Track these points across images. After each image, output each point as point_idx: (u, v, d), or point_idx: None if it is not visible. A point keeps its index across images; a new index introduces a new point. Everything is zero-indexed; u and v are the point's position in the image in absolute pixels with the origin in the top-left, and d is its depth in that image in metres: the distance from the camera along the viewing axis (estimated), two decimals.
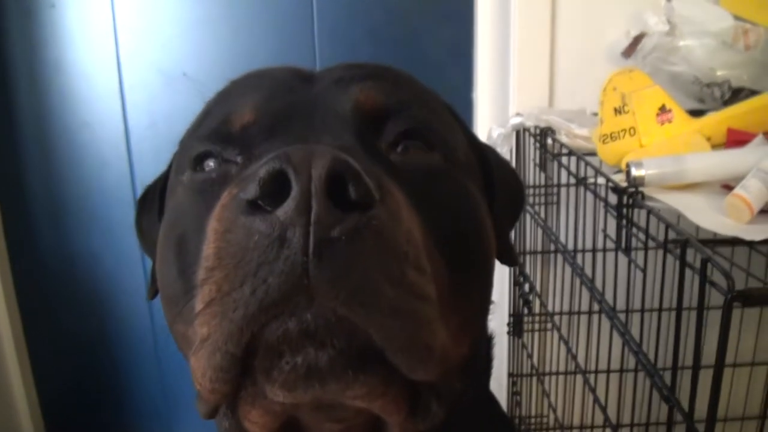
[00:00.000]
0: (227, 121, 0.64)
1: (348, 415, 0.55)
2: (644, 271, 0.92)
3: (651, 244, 0.91)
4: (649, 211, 0.90)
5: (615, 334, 1.11)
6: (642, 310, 0.99)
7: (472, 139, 0.79)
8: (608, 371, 1.39)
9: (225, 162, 0.63)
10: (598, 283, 1.23)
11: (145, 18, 1.95)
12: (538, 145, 1.50)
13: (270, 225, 0.45)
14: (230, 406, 0.54)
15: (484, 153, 0.80)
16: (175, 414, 2.24)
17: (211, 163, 0.63)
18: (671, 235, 0.83)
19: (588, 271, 1.30)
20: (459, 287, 0.58)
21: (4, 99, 1.99)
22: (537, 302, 1.68)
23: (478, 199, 0.70)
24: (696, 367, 0.79)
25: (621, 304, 1.14)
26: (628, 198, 0.97)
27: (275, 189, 0.45)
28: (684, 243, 0.78)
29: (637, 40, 1.59)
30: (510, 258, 0.82)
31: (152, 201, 0.80)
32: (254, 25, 1.95)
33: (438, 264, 0.55)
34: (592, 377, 1.35)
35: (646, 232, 0.91)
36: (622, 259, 1.06)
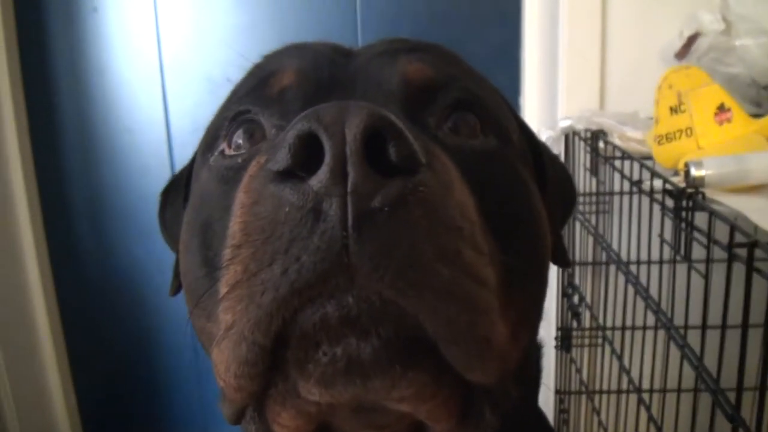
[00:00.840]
0: (266, 82, 0.59)
1: (389, 421, 0.49)
2: (706, 277, 0.86)
3: (717, 253, 0.84)
4: (712, 213, 0.83)
5: (671, 351, 1.04)
6: (703, 327, 0.92)
7: (523, 125, 0.73)
8: (664, 390, 1.30)
9: (255, 134, 0.58)
10: (653, 296, 1.16)
11: (189, 23, 1.94)
12: (588, 148, 1.43)
13: (302, 195, 0.40)
14: (258, 408, 0.48)
15: (535, 141, 0.74)
16: (212, 424, 2.21)
17: (240, 141, 0.58)
18: (737, 238, 0.76)
19: (642, 283, 1.23)
20: (516, 277, 0.51)
21: (46, 104, 2.01)
22: (587, 315, 1.60)
23: (533, 187, 0.63)
24: (763, 386, 0.72)
25: (678, 319, 1.07)
26: (688, 199, 0.90)
27: (307, 154, 0.40)
28: (752, 246, 0.71)
29: (691, 40, 1.52)
30: (563, 258, 0.75)
31: (176, 192, 0.76)
32: (299, 32, 1.93)
33: (494, 248, 0.48)
34: (646, 396, 1.27)
35: (708, 235, 0.84)
36: (680, 271, 0.99)
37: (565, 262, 0.76)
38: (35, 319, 2.09)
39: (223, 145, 0.59)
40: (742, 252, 0.74)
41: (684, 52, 1.53)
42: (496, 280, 0.46)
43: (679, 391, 1.16)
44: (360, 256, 0.39)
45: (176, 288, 0.72)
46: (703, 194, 0.90)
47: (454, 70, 0.62)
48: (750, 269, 0.72)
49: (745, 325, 0.76)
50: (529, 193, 0.62)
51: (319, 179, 0.39)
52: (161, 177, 2.01)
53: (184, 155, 2.03)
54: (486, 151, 0.58)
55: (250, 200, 0.44)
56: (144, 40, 1.95)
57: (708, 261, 0.85)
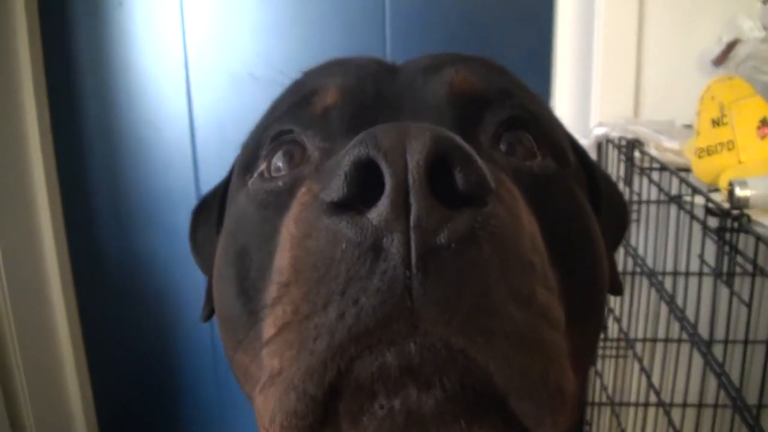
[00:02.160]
0: (308, 100, 0.56)
1: None
2: (749, 306, 0.82)
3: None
4: (759, 238, 0.80)
5: (694, 366, 1.01)
6: (726, 341, 0.89)
7: (574, 142, 0.69)
8: (685, 404, 1.27)
9: (295, 156, 0.54)
10: (691, 309, 1.12)
11: (214, 18, 1.91)
12: (623, 158, 1.39)
13: (360, 231, 0.36)
14: None
15: (588, 159, 0.69)
16: (231, 428, 2.19)
17: (279, 164, 0.54)
18: None
19: (678, 295, 1.20)
20: (576, 313, 0.47)
21: (70, 98, 1.99)
22: (614, 327, 1.56)
23: (590, 212, 0.59)
24: None
25: (704, 331, 1.03)
26: (733, 221, 0.86)
27: (364, 182, 0.36)
28: None
29: (731, 47, 1.47)
30: (616, 286, 0.70)
31: (209, 212, 0.72)
32: (325, 27, 1.90)
33: (558, 283, 0.44)
34: (674, 411, 1.24)
35: (754, 263, 0.80)
36: (707, 284, 0.96)
37: (617, 290, 0.71)
38: (55, 319, 2.08)
39: (263, 167, 0.56)
40: None
41: (722, 58, 1.48)
42: (564, 319, 0.43)
43: (700, 405, 1.12)
44: (425, 300, 0.35)
45: (208, 315, 0.69)
46: (749, 216, 0.86)
47: (505, 83, 0.58)
48: None
49: None
50: (589, 219, 0.58)
51: (378, 212, 0.36)
52: (184, 172, 2.01)
53: (207, 151, 2.02)
54: (545, 174, 0.53)
55: (301, 233, 0.40)
56: (169, 34, 1.92)
57: (752, 289, 0.81)
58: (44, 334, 2.06)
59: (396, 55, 1.89)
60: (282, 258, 0.41)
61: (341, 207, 0.37)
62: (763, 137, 1.09)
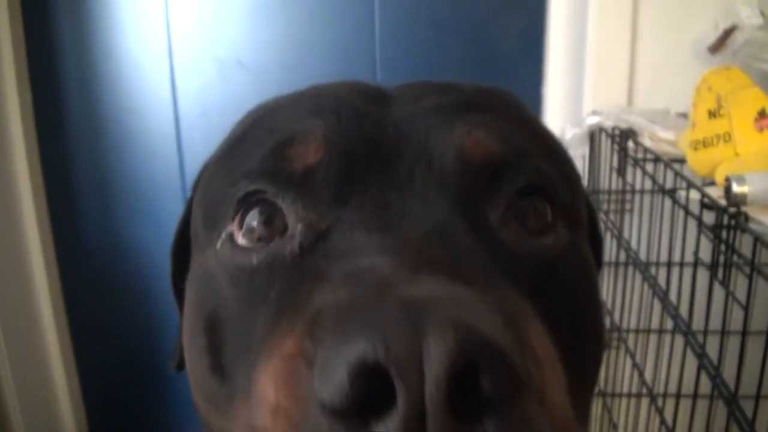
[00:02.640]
0: (284, 154, 0.47)
1: None
2: (746, 308, 0.80)
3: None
4: (757, 239, 0.77)
5: (689, 357, 0.99)
6: (723, 332, 0.87)
7: (585, 193, 0.61)
8: (678, 395, 1.25)
9: (274, 221, 0.46)
10: (674, 299, 1.11)
11: (199, 3, 1.87)
12: (617, 147, 1.37)
13: None
14: None
15: (592, 208, 0.62)
16: None
17: (254, 223, 0.47)
18: None
19: (663, 285, 1.18)
20: (581, 381, 0.44)
21: (53, 85, 1.94)
22: (607, 318, 1.55)
23: (596, 278, 0.54)
24: None
25: (699, 324, 1.02)
26: (730, 219, 0.84)
27: (369, 386, 0.31)
28: None
29: (727, 34, 1.44)
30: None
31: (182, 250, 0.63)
32: (313, 13, 1.85)
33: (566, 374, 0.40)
34: (662, 401, 1.22)
35: (752, 263, 0.78)
36: (701, 275, 0.94)
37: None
38: (39, 307, 2.05)
39: (232, 228, 0.48)
40: None
41: (718, 46, 1.45)
42: None
43: (695, 397, 1.11)
44: None
45: (180, 364, 0.64)
46: (746, 214, 0.84)
47: (524, 139, 0.50)
48: None
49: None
50: (596, 288, 0.53)
51: (387, 429, 0.30)
52: (169, 161, 1.98)
53: (191, 138, 1.98)
54: (559, 251, 0.47)
55: (290, 413, 0.34)
56: (153, 20, 1.87)
57: (749, 290, 0.79)
58: (30, 326, 2.04)
59: (385, 41, 1.85)
60: (266, 420, 0.36)
61: (339, 412, 0.31)
62: (761, 129, 1.06)
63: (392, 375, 0.30)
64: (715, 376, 0.86)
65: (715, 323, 0.95)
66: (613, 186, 1.49)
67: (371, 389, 0.30)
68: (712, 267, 0.88)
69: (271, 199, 0.46)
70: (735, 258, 0.84)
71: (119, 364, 2.22)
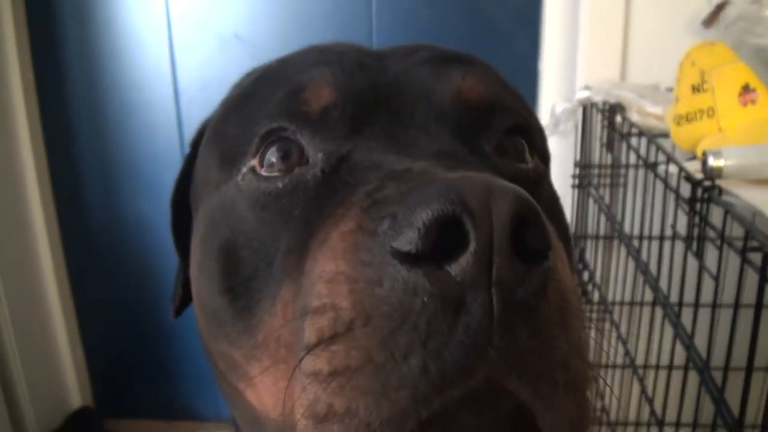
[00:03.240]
0: (301, 97, 0.53)
1: None
2: (717, 279, 0.82)
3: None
4: (727, 210, 0.79)
5: (668, 329, 1.01)
6: (696, 305, 0.89)
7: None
8: (657, 366, 1.28)
9: (292, 155, 0.51)
10: (665, 273, 1.12)
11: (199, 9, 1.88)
12: (606, 122, 1.38)
13: (444, 285, 0.36)
14: None
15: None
16: None
17: (273, 160, 0.52)
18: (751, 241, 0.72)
19: (654, 260, 1.19)
20: None
21: (53, 59, 1.97)
22: (597, 291, 1.57)
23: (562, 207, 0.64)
24: (749, 369, 0.71)
25: (689, 297, 1.03)
26: (703, 192, 0.85)
27: (440, 236, 0.36)
28: (766, 254, 0.67)
29: (720, 8, 1.44)
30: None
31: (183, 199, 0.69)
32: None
33: None
34: (643, 372, 1.25)
35: (722, 235, 0.79)
36: (681, 248, 0.95)
37: None
38: (42, 274, 2.09)
39: (254, 162, 0.53)
40: (756, 256, 0.70)
41: (712, 20, 1.45)
42: None
43: (670, 368, 1.13)
44: (503, 353, 0.36)
45: (178, 309, 0.69)
46: (720, 187, 0.85)
47: (503, 90, 0.59)
48: (763, 279, 0.68)
49: (736, 306, 0.74)
50: (563, 213, 0.62)
51: (461, 268, 0.36)
52: (169, 134, 2.00)
53: (191, 112, 2.00)
54: (538, 176, 0.56)
55: (366, 277, 0.39)
56: (155, 25, 1.90)
57: (720, 261, 0.80)
58: (36, 302, 2.09)
59: (381, 14, 1.86)
60: (338, 296, 0.40)
61: (414, 257, 0.37)
62: (745, 104, 1.07)
63: (466, 221, 0.36)
64: (689, 345, 0.88)
65: (693, 296, 0.97)
66: (604, 161, 1.50)
67: (443, 240, 0.36)
68: (688, 239, 0.90)
69: (290, 136, 0.52)
70: (708, 231, 0.85)
71: (123, 334, 2.26)
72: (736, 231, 0.80)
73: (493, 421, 0.39)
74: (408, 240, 0.37)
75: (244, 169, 0.53)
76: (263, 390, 0.49)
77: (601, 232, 1.56)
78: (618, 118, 1.31)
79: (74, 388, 2.22)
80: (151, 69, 1.95)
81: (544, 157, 0.60)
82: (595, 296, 1.52)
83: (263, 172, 0.52)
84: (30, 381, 2.01)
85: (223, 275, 0.52)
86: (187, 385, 2.27)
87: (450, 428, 0.38)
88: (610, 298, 1.47)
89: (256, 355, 0.48)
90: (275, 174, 0.51)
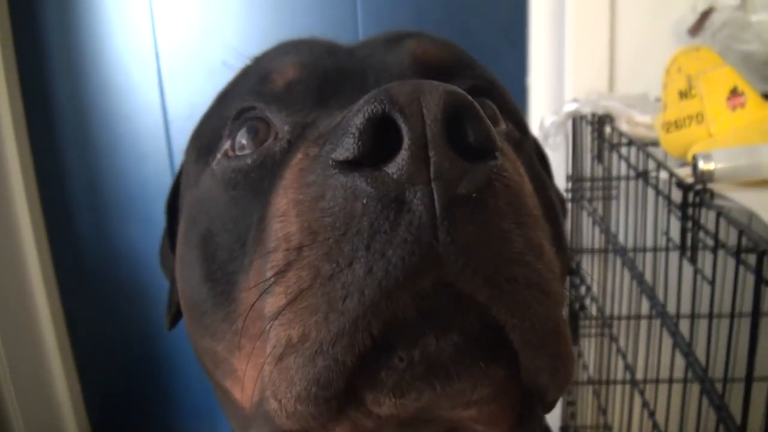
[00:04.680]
0: (268, 77, 0.55)
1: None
2: (713, 283, 0.79)
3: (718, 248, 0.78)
4: (719, 213, 0.77)
5: (667, 341, 0.99)
6: (692, 316, 0.87)
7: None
8: (657, 380, 1.25)
9: (260, 133, 0.53)
10: (662, 286, 1.10)
11: (184, 6, 1.88)
12: (596, 134, 1.36)
13: (382, 185, 0.36)
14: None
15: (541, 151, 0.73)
16: (218, 411, 2.18)
17: (243, 141, 0.53)
18: (745, 241, 0.70)
19: (650, 272, 1.17)
20: None
21: (42, 90, 1.96)
22: (594, 305, 1.54)
23: (550, 185, 0.63)
24: (749, 378, 0.69)
25: (687, 307, 1.01)
26: (695, 196, 0.84)
27: (376, 139, 0.36)
28: (761, 254, 0.65)
29: (705, 15, 1.44)
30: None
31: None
32: (296, 12, 1.86)
33: None
34: (644, 386, 1.22)
35: (716, 237, 0.77)
36: (676, 257, 0.93)
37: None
38: (36, 306, 2.07)
39: (227, 146, 0.55)
40: (751, 258, 0.68)
41: (697, 28, 1.45)
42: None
43: (671, 381, 1.10)
44: (452, 249, 0.35)
45: (172, 319, 0.69)
46: (711, 191, 0.83)
47: (463, 55, 0.59)
48: (759, 279, 0.66)
49: (733, 313, 0.72)
50: (550, 190, 0.61)
51: (398, 166, 0.35)
52: (159, 163, 1.98)
53: (181, 141, 1.97)
54: (512, 141, 0.55)
55: (310, 196, 0.39)
56: (138, 23, 1.89)
57: (715, 265, 0.78)
58: (29, 333, 2.06)
59: (368, 32, 1.84)
60: (288, 224, 0.40)
61: (354, 165, 0.37)
62: (734, 108, 1.06)
63: (398, 121, 0.35)
64: (687, 353, 0.85)
65: (689, 305, 0.95)
66: (596, 174, 1.49)
67: (378, 144, 0.36)
68: (682, 247, 0.88)
69: (260, 114, 0.53)
70: (702, 236, 0.83)
71: (118, 361, 2.23)
72: (731, 235, 0.78)
73: (459, 339, 0.37)
74: (345, 148, 0.36)
75: (219, 155, 0.55)
76: (248, 383, 0.47)
77: (596, 246, 1.54)
78: (607, 129, 1.29)
79: (71, 420, 2.19)
80: (140, 99, 1.94)
81: (520, 125, 0.60)
82: (594, 311, 1.50)
83: (235, 153, 0.53)
84: (26, 415, 1.99)
85: (202, 264, 0.52)
86: (185, 415, 2.23)
87: (411, 345, 0.37)
88: (608, 312, 1.45)
89: (238, 343, 0.47)
90: (246, 152, 0.52)
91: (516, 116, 0.60)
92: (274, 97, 0.53)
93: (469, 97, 0.37)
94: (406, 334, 0.37)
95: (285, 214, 0.40)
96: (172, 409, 2.24)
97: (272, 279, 0.40)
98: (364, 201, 0.36)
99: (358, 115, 0.36)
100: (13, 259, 2.00)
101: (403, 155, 0.35)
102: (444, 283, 0.36)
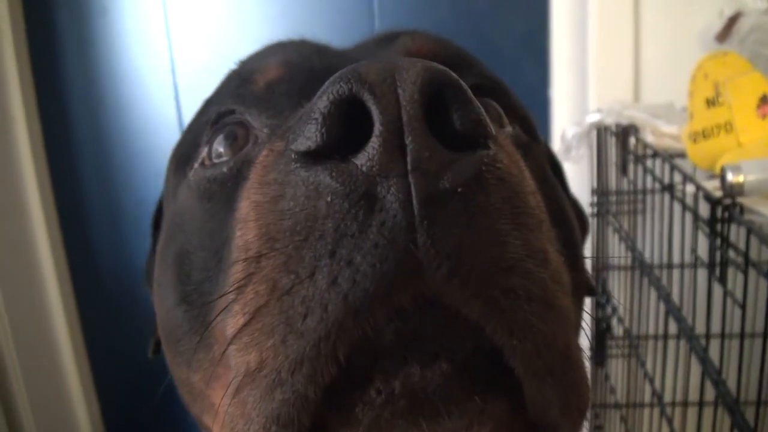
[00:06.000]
0: (249, 79, 0.50)
1: None
2: (743, 306, 0.73)
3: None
4: (750, 229, 0.71)
5: (695, 362, 0.93)
6: (722, 336, 0.81)
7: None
8: (686, 403, 1.18)
9: (238, 138, 0.48)
10: (690, 303, 1.04)
11: (199, 21, 1.87)
12: (620, 145, 1.30)
13: (349, 179, 0.30)
14: None
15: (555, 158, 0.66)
16: None
17: (221, 149, 0.48)
18: None
19: (677, 290, 1.11)
20: None
21: (59, 108, 1.96)
22: (620, 325, 1.48)
23: (563, 193, 0.56)
24: None
25: (717, 327, 0.95)
26: (723, 211, 0.78)
27: (345, 126, 0.31)
28: None
29: (733, 21, 1.38)
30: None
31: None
32: (313, 25, 1.83)
33: None
34: (671, 410, 1.16)
35: (746, 256, 0.72)
36: (704, 275, 0.88)
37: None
38: (54, 321, 2.06)
39: (204, 154, 0.50)
40: None
41: (725, 34, 1.38)
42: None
43: (701, 405, 1.04)
44: (433, 255, 0.30)
45: (156, 345, 0.64)
46: (741, 205, 0.78)
47: (463, 52, 0.55)
48: None
49: (766, 336, 0.66)
50: (563, 199, 0.54)
51: (368, 156, 0.30)
52: None
53: None
54: (518, 144, 0.47)
55: (269, 196, 0.33)
56: (154, 39, 1.88)
57: (746, 285, 0.73)
58: (46, 349, 2.04)
59: None
60: (247, 231, 0.34)
61: (318, 157, 0.31)
62: (764, 116, 1.00)
63: (367, 102, 0.30)
64: (717, 381, 0.79)
65: (719, 324, 0.89)
66: (622, 187, 1.43)
67: (345, 128, 0.30)
68: (710, 264, 0.82)
69: (239, 118, 0.48)
70: (731, 253, 0.77)
71: (136, 378, 2.20)
72: (763, 252, 0.73)
73: (448, 367, 0.31)
74: (306, 136, 0.31)
75: (196, 165, 0.50)
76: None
77: (623, 262, 1.47)
78: (632, 140, 1.24)
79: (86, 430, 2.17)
80: (156, 115, 1.93)
81: (528, 129, 0.53)
82: (620, 331, 1.43)
83: (212, 162, 0.48)
84: (40, 425, 1.96)
85: (177, 285, 0.47)
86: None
87: (390, 375, 0.31)
88: (635, 331, 1.38)
89: (215, 373, 0.41)
90: (222, 160, 0.48)
91: (524, 118, 0.54)
92: (254, 99, 0.49)
93: (454, 75, 0.32)
94: (384, 361, 0.31)
95: (245, 220, 0.35)
96: (188, 419, 2.20)
97: (231, 296, 0.34)
98: (329, 199, 0.30)
99: (321, 98, 0.31)
100: (31, 279, 1.99)
101: (374, 143, 0.30)
102: (426, 297, 0.30)
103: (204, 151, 0.50)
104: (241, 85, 0.51)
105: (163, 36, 1.87)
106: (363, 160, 0.30)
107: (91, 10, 1.88)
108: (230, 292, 0.34)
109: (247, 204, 0.36)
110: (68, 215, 2.06)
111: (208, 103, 0.56)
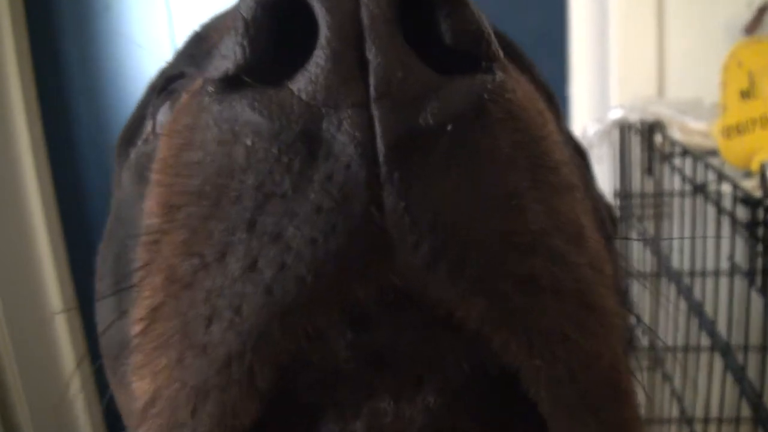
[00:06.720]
0: (204, 37, 0.43)
1: None
2: None
3: None
4: None
5: (730, 377, 0.85)
6: (764, 349, 0.73)
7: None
8: (720, 419, 1.10)
9: None
10: (724, 313, 0.96)
11: (202, 19, 1.81)
12: (645, 144, 1.23)
13: (278, 110, 0.20)
14: None
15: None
16: None
17: (164, 118, 0.41)
18: None
19: (710, 300, 1.03)
20: None
21: (61, 107, 1.92)
22: (645, 336, 1.40)
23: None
24: None
25: (754, 340, 0.87)
26: (765, 213, 0.70)
27: (275, 43, 0.21)
28: None
29: (763, 11, 1.30)
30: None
31: None
32: None
33: None
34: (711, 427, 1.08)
35: None
36: (741, 283, 0.80)
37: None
38: (54, 325, 2.00)
39: (149, 129, 0.42)
40: None
41: (754, 25, 1.31)
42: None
43: (737, 421, 0.95)
44: (408, 225, 0.20)
45: None
46: None
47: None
48: None
49: None
50: (597, 191, 0.52)
51: (309, 78, 0.20)
52: None
53: None
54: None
55: (174, 148, 0.24)
56: (157, 37, 1.84)
57: None
58: (44, 341, 1.99)
59: None
60: (149, 201, 0.25)
61: (241, 85, 0.21)
62: None
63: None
64: (758, 403, 0.71)
65: (759, 337, 0.81)
66: (647, 189, 1.35)
67: (279, 43, 0.20)
68: (749, 272, 0.74)
69: (189, 82, 0.39)
70: None
71: None
72: None
73: (436, 400, 0.21)
74: (224, 54, 0.21)
75: (139, 143, 0.42)
76: None
77: (648, 269, 1.39)
78: (658, 138, 1.16)
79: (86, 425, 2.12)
80: None
81: (549, 100, 0.43)
82: (645, 342, 1.35)
83: (154, 136, 0.40)
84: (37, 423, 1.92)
85: (113, 289, 0.37)
86: None
87: (348, 413, 0.21)
88: (661, 343, 1.30)
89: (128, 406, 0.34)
90: None
91: (545, 90, 0.44)
92: (208, 58, 0.41)
93: None
94: (336, 390, 0.21)
95: (151, 186, 0.25)
96: None
97: (133, 291, 0.25)
98: (248, 142, 0.21)
99: (243, 1, 0.21)
100: (30, 270, 1.95)
101: (318, 58, 0.20)
102: (399, 290, 0.20)
103: (149, 125, 0.42)
104: (195, 45, 0.44)
105: (166, 34, 1.83)
106: (302, 83, 0.20)
107: (94, 8, 1.84)
108: (132, 288, 0.25)
109: (155, 166, 0.26)
110: (69, 215, 2.02)
111: (161, 72, 0.48)
